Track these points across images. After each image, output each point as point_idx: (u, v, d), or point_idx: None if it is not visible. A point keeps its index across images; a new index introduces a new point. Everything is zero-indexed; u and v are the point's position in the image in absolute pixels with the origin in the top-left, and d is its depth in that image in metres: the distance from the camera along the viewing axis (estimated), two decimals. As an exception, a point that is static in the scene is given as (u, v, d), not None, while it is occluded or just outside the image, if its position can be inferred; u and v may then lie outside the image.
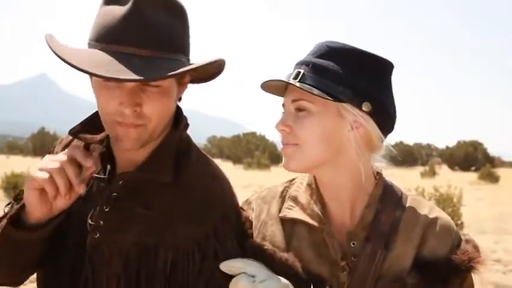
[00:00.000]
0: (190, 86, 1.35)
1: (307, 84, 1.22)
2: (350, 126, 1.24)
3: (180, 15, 1.23)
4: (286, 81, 1.24)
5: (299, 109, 1.26)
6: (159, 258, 1.23)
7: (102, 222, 1.26)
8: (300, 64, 1.28)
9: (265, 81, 1.28)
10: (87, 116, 1.36)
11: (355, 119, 1.24)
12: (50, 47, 1.16)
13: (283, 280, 1.20)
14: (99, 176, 1.30)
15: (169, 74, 1.13)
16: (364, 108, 1.23)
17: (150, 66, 1.12)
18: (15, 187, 11.71)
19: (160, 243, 1.24)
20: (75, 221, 1.29)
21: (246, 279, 1.18)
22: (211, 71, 1.32)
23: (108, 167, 1.30)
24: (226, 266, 1.21)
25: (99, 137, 1.31)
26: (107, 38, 1.16)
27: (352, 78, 1.23)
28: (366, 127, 1.25)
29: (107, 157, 1.31)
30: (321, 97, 1.20)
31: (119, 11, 1.16)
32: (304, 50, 1.33)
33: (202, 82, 1.40)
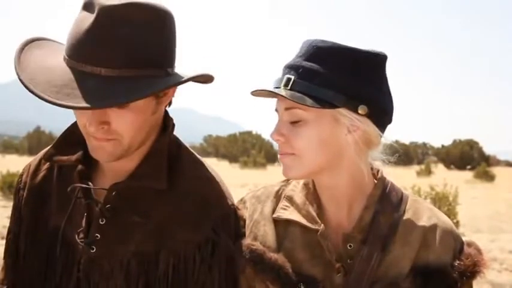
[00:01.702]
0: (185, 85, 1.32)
1: (298, 92, 1.18)
2: (347, 130, 1.21)
3: (154, 24, 1.14)
4: (277, 92, 1.19)
5: (293, 117, 1.21)
6: (160, 265, 1.22)
7: (99, 236, 1.23)
8: (289, 68, 1.22)
9: (255, 90, 1.23)
10: (58, 136, 1.33)
11: (352, 123, 1.20)
12: (16, 59, 1.13)
13: None
14: (80, 196, 1.26)
15: (116, 101, 1.07)
16: (360, 112, 1.18)
17: (105, 88, 1.07)
18: (10, 186, 11.67)
19: (160, 250, 1.23)
20: (59, 243, 1.27)
21: None
22: (199, 80, 1.25)
23: (90, 184, 1.26)
24: None
25: (74, 157, 1.29)
26: (70, 53, 1.12)
27: (345, 81, 1.18)
28: (363, 129, 1.21)
29: (86, 175, 1.28)
30: (314, 107, 1.16)
31: (84, 23, 1.11)
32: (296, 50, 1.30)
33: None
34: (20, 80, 1.09)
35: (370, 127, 1.22)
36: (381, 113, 1.23)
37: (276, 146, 1.27)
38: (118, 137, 1.17)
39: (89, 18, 1.10)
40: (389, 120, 1.26)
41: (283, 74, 1.23)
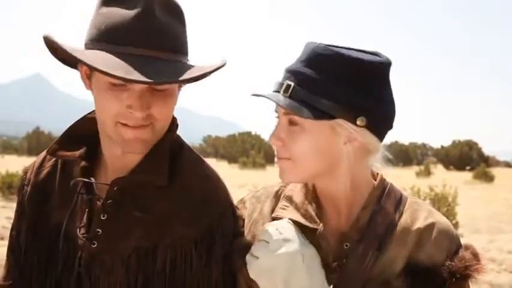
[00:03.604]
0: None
1: (297, 100, 1.17)
2: (344, 140, 1.21)
3: (180, 16, 1.23)
4: (275, 101, 1.19)
5: (292, 122, 1.22)
6: (157, 260, 1.23)
7: (100, 231, 1.25)
8: (290, 73, 1.22)
9: (255, 94, 1.23)
10: (62, 132, 1.35)
11: (350, 134, 1.20)
12: (66, 49, 1.13)
13: (313, 250, 1.18)
14: (82, 191, 1.28)
15: (197, 74, 1.16)
16: (358, 123, 1.17)
17: (169, 68, 1.14)
18: (10, 187, 11.68)
19: (158, 245, 1.24)
20: (60, 239, 1.28)
21: (272, 229, 1.19)
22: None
23: (92, 179, 1.28)
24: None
25: (78, 153, 1.31)
26: (119, 40, 1.14)
27: (345, 92, 1.17)
28: (361, 140, 1.21)
29: (89, 171, 1.30)
30: (311, 119, 1.16)
31: (128, 12, 1.15)
32: (299, 49, 1.29)
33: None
34: (80, 60, 1.10)
35: (368, 137, 1.21)
36: (381, 122, 1.23)
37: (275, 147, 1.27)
38: (154, 121, 1.21)
39: (131, 9, 1.15)
40: (390, 127, 1.26)
41: (284, 79, 1.23)
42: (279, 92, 1.21)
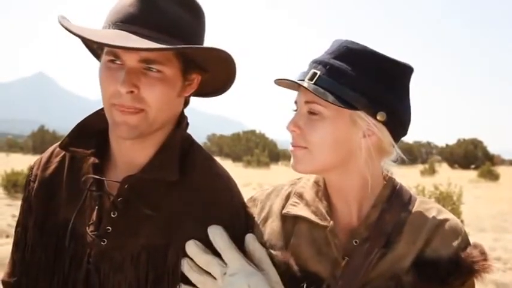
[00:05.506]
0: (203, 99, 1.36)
1: (322, 88, 1.20)
2: (362, 134, 1.23)
3: (195, 14, 1.23)
4: (300, 83, 1.21)
5: (312, 112, 1.23)
6: (168, 259, 1.23)
7: (110, 229, 1.24)
8: (317, 63, 1.25)
9: (280, 79, 1.26)
10: (74, 126, 1.34)
11: (368, 127, 1.22)
12: (60, 22, 1.15)
13: (258, 276, 1.17)
14: (93, 188, 1.28)
15: (168, 47, 1.12)
16: (378, 118, 1.21)
17: (155, 40, 1.13)
18: (15, 185, 11.72)
19: (170, 244, 1.23)
20: (68, 235, 1.28)
21: (217, 268, 1.18)
22: (222, 76, 1.30)
23: (104, 178, 1.28)
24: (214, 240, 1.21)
25: (89, 151, 1.30)
26: (114, 19, 1.17)
27: (370, 86, 1.20)
28: (379, 135, 1.23)
29: (99, 167, 1.30)
30: (335, 105, 1.18)
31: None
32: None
33: (213, 94, 1.39)
34: (68, 29, 1.12)
35: (385, 135, 1.24)
36: (398, 123, 1.25)
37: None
38: (145, 107, 1.18)
39: None
40: (404, 133, 1.29)
41: (310, 68, 1.25)
42: (303, 80, 1.23)
